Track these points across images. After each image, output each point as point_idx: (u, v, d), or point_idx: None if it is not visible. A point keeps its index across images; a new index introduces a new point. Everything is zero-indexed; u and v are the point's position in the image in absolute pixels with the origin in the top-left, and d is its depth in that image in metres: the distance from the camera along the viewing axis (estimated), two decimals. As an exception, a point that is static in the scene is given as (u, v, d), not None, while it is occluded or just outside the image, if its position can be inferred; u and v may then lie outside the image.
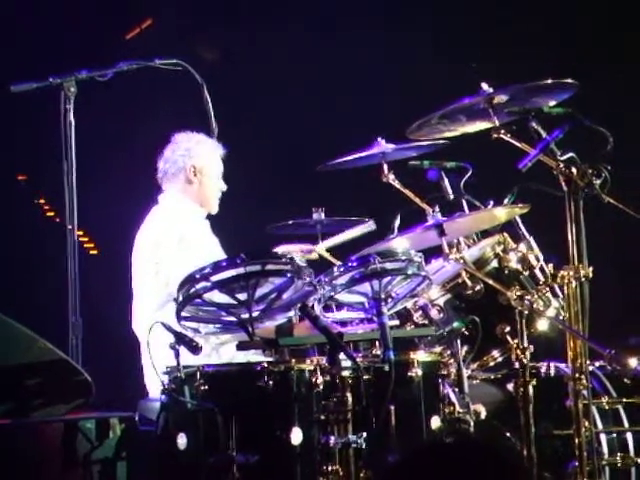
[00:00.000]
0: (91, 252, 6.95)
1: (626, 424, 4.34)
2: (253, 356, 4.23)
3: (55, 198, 4.53)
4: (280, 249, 4.62)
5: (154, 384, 4.15)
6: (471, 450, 1.96)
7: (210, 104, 4.42)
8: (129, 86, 5.13)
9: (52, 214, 6.83)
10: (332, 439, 3.57)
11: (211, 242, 4.67)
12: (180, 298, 3.65)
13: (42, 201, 6.91)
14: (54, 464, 3.47)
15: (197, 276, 3.63)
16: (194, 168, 4.66)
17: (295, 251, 4.63)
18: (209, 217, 4.75)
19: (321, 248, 4.72)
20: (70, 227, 4.19)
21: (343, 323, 4.21)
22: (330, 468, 3.57)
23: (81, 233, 6.85)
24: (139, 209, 4.75)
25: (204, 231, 4.68)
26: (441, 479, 1.91)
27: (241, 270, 3.61)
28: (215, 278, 3.62)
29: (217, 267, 3.63)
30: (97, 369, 3.82)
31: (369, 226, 4.69)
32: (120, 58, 4.37)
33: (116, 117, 6.14)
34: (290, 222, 4.92)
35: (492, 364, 4.34)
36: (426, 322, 4.21)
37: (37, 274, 6.06)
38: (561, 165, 4.01)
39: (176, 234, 4.49)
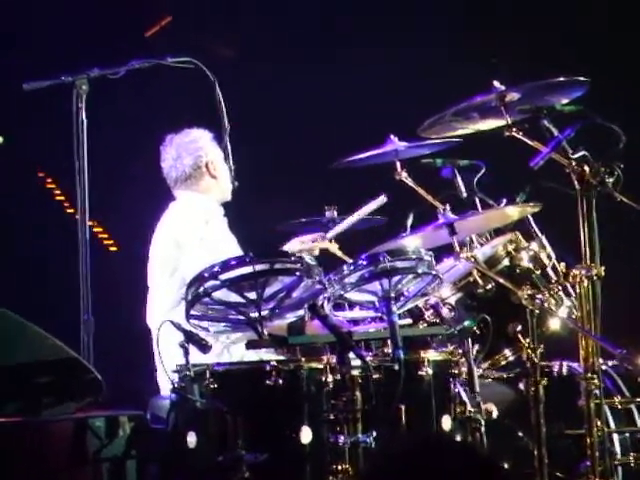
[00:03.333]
0: (111, 249, 6.97)
1: (639, 424, 4.31)
2: (265, 354, 4.23)
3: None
4: (292, 243, 4.62)
5: (165, 382, 4.16)
6: (446, 452, 1.97)
7: (222, 101, 4.42)
8: (150, 82, 5.15)
9: (72, 211, 6.85)
10: (341, 438, 3.56)
11: (229, 240, 4.67)
12: (189, 297, 3.66)
13: (62, 198, 6.93)
14: (64, 462, 3.49)
15: (206, 275, 3.63)
16: (212, 163, 4.66)
17: (307, 240, 4.63)
18: (225, 216, 4.75)
19: (334, 245, 4.71)
20: (83, 224, 4.21)
21: (355, 321, 4.21)
22: (339, 467, 3.57)
23: (100, 230, 6.88)
24: (160, 206, 4.76)
25: (223, 230, 4.68)
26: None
27: (250, 269, 3.62)
28: (224, 277, 3.62)
29: (226, 266, 3.63)
30: (110, 367, 3.84)
31: (380, 201, 4.65)
32: (139, 56, 4.38)
33: (138, 115, 6.17)
34: (302, 220, 4.92)
35: (504, 363, 4.33)
36: (437, 321, 4.20)
37: (53, 271, 6.09)
38: (573, 163, 3.99)
39: (197, 234, 4.49)
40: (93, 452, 3.53)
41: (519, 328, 4.19)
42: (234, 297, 3.68)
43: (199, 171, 4.66)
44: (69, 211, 6.79)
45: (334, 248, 4.72)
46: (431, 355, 3.77)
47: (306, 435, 3.56)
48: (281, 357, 4.08)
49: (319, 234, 4.69)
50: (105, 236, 6.91)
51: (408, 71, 6.09)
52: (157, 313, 4.47)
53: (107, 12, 6.35)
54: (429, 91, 5.56)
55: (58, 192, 6.90)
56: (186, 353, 3.62)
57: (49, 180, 6.90)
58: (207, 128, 4.74)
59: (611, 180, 3.96)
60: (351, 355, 3.59)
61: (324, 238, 4.65)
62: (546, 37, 6.05)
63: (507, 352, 4.32)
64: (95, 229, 6.69)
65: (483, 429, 3.83)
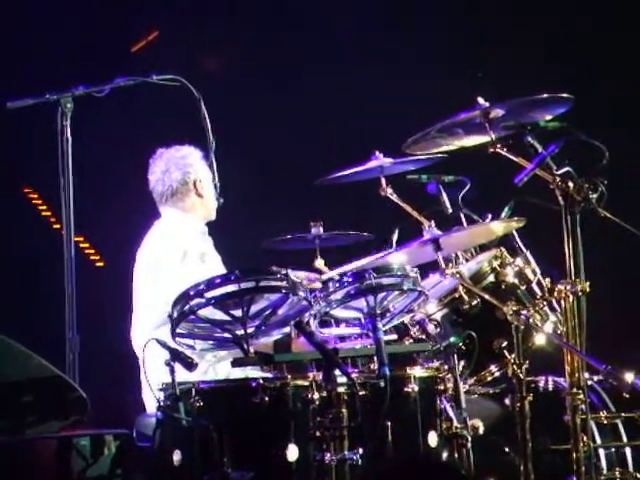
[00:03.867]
0: (97, 264, 6.96)
1: (625, 439, 4.32)
2: (251, 372, 4.22)
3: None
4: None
5: (151, 400, 4.15)
6: (433, 470, 1.98)
7: (207, 118, 4.42)
8: (136, 98, 5.15)
9: (59, 226, 6.82)
10: (328, 455, 3.56)
11: (214, 260, 4.66)
12: (175, 315, 3.65)
13: (49, 213, 6.92)
14: (48, 481, 3.47)
15: (191, 293, 3.63)
16: (200, 182, 4.66)
17: (301, 278, 4.62)
18: (210, 233, 4.75)
19: (320, 261, 4.72)
20: (68, 241, 4.20)
21: (341, 338, 4.20)
22: (326, 485, 3.56)
23: (87, 245, 6.86)
24: (147, 221, 4.76)
25: (208, 248, 4.67)
26: None
27: (235, 287, 3.61)
28: (209, 294, 3.62)
29: (211, 284, 3.63)
30: (95, 385, 3.83)
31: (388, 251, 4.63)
32: (124, 73, 4.38)
33: (124, 131, 6.17)
34: (288, 236, 4.93)
35: (490, 379, 4.34)
36: (423, 337, 4.20)
37: (39, 288, 6.08)
38: (557, 179, 4.01)
39: (180, 252, 4.48)
40: (78, 471, 3.50)
41: (504, 344, 4.20)
42: (220, 315, 3.68)
43: (186, 187, 4.66)
44: (56, 227, 6.78)
45: (321, 264, 4.73)
46: (417, 371, 3.77)
47: (292, 453, 3.56)
48: (267, 374, 4.07)
49: (315, 276, 4.68)
50: (92, 252, 6.90)
51: (393, 87, 6.11)
52: (141, 332, 4.47)
53: (93, 28, 6.36)
54: (414, 107, 5.59)
55: (44, 208, 6.89)
56: (172, 371, 3.61)
57: (35, 196, 6.89)
58: (192, 144, 4.74)
59: (595, 196, 3.97)
60: (337, 372, 3.59)
61: (316, 280, 4.66)
62: (531, 54, 6.08)
63: (493, 368, 4.32)
64: (82, 245, 6.69)
65: (469, 445, 3.83)
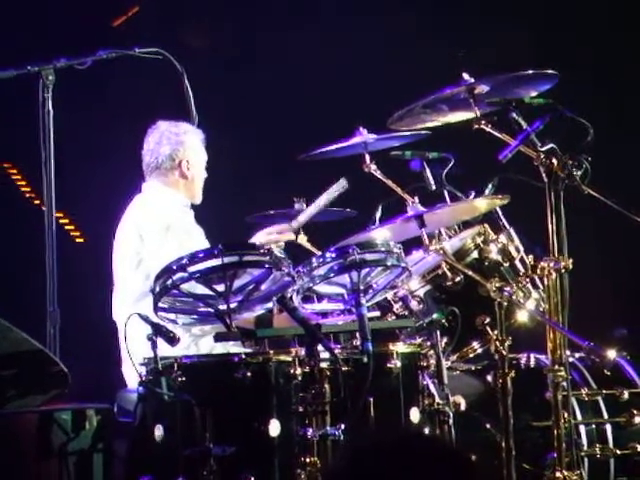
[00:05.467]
0: (77, 240, 6.92)
1: (605, 415, 4.35)
2: (233, 347, 4.21)
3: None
4: (258, 235, 4.60)
5: (133, 375, 4.13)
6: (415, 445, 1.98)
7: (190, 92, 4.39)
8: (117, 72, 5.11)
9: (38, 202, 6.79)
10: (310, 431, 3.56)
11: (196, 233, 4.63)
12: (157, 289, 3.63)
13: (28, 189, 6.87)
14: (29, 456, 3.46)
15: (174, 267, 3.61)
16: (187, 163, 4.61)
17: (273, 231, 4.60)
18: (193, 207, 4.72)
19: (303, 237, 4.71)
20: (49, 215, 4.17)
21: (324, 314, 4.20)
22: (308, 460, 3.56)
23: (67, 221, 6.83)
24: (127, 197, 4.73)
25: (190, 222, 4.65)
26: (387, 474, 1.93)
27: (218, 261, 3.59)
28: (192, 269, 3.60)
29: (194, 258, 3.61)
30: (77, 359, 3.81)
31: (341, 184, 4.64)
32: (107, 45, 4.34)
33: (106, 105, 6.13)
34: (271, 212, 4.91)
35: (472, 355, 4.34)
36: (406, 313, 4.20)
37: (18, 263, 6.04)
38: (542, 156, 4.00)
39: (162, 226, 4.45)
40: (59, 446, 3.49)
41: (487, 320, 4.20)
42: (203, 289, 3.66)
43: (171, 164, 4.61)
44: (36, 202, 6.73)
45: (303, 240, 4.71)
46: (400, 348, 3.77)
47: (274, 428, 3.55)
48: (249, 350, 4.07)
49: (285, 225, 4.67)
50: (71, 227, 6.86)
51: (378, 62, 6.09)
52: (123, 306, 4.44)
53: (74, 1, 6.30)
54: (399, 83, 5.57)
55: (24, 183, 6.84)
56: (154, 346, 3.59)
57: (15, 171, 6.84)
58: (174, 119, 4.70)
59: (579, 173, 3.97)
60: (320, 348, 3.59)
61: (289, 229, 4.64)
62: (517, 28, 6.07)
63: (475, 344, 4.33)
64: (61, 220, 6.65)
65: (451, 421, 3.84)
